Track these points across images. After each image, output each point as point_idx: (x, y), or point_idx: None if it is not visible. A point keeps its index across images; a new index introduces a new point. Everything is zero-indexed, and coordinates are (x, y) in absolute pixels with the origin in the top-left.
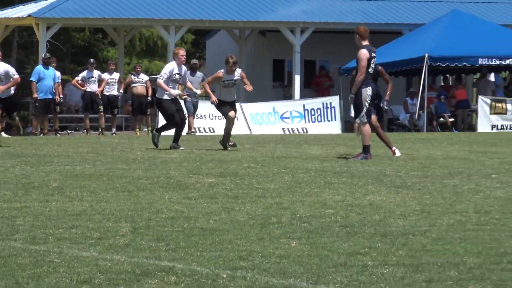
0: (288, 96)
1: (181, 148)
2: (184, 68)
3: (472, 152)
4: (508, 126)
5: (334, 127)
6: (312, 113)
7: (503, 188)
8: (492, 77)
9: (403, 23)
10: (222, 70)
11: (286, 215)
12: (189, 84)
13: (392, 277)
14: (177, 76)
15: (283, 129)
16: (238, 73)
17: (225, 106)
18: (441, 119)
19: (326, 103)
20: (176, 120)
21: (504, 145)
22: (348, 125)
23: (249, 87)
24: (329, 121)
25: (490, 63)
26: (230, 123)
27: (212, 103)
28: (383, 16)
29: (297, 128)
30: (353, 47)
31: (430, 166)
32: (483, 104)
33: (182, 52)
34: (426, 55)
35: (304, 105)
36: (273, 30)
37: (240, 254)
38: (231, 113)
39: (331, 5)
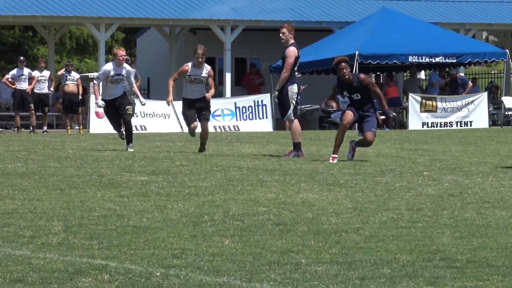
0: (219, 94)
1: (130, 150)
2: (126, 69)
3: (404, 149)
4: (438, 124)
5: (265, 125)
6: (244, 111)
7: (435, 186)
8: (422, 75)
9: (333, 21)
10: (189, 64)
11: (218, 213)
12: (135, 89)
13: (325, 274)
14: (116, 77)
15: (214, 127)
16: (206, 69)
17: (190, 111)
18: None
19: (257, 101)
20: (113, 125)
21: (435, 142)
22: (279, 123)
23: (209, 94)
24: (260, 119)
25: (420, 60)
26: (201, 133)
27: (167, 103)
28: (313, 14)
29: (228, 126)
30: (284, 45)
31: (362, 164)
32: (413, 101)
33: (121, 52)
34: (357, 52)
35: (235, 103)
36: (203, 28)
37: (173, 252)
38: (194, 125)
39: (261, 3)
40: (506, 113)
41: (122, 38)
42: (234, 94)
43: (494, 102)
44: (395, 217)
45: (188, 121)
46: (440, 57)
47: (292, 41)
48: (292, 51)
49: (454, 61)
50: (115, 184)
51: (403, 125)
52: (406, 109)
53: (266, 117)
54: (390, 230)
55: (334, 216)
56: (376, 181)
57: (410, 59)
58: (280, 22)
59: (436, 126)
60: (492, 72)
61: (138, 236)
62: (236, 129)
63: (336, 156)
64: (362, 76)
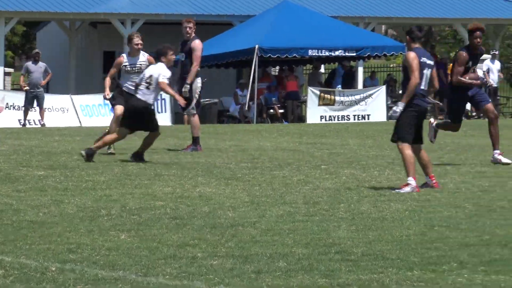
0: None
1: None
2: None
3: (302, 143)
4: (336, 117)
5: (164, 119)
6: None
7: (332, 179)
8: (322, 68)
9: (233, 14)
10: (124, 54)
11: (115, 208)
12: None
13: (221, 268)
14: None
15: None
16: (145, 57)
17: (119, 98)
18: (271, 110)
19: None
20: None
21: (333, 136)
22: (178, 117)
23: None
24: (159, 112)
25: (320, 54)
26: (113, 120)
27: (104, 97)
28: (213, 7)
29: None
30: (184, 39)
31: (260, 158)
32: (312, 95)
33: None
34: (257, 46)
35: None
36: (104, 21)
37: (69, 247)
38: (118, 109)
39: None
40: None
41: (22, 31)
42: None
43: (392, 95)
44: (292, 210)
45: (116, 103)
46: (340, 51)
47: (194, 34)
48: (198, 44)
49: (354, 54)
50: (12, 179)
51: (301, 118)
52: (305, 102)
53: (165, 111)
54: (286, 223)
55: (231, 210)
56: (274, 175)
57: (310, 52)
58: (180, 16)
59: (334, 120)
60: (391, 65)
61: (34, 231)
62: None
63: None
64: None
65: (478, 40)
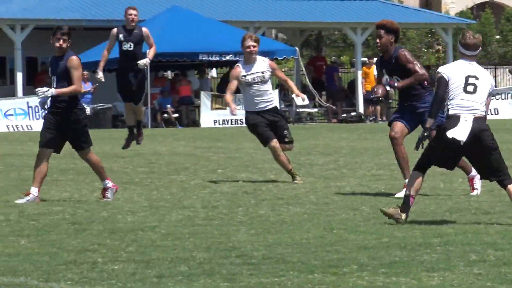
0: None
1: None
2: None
3: (197, 147)
4: (230, 121)
5: None
6: (36, 110)
7: (229, 183)
8: (214, 73)
9: (122, 19)
10: (239, 63)
11: (13, 213)
12: None
13: (123, 273)
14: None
15: (7, 126)
16: (266, 63)
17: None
18: (165, 114)
19: None
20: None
21: (228, 140)
22: None
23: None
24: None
25: (211, 58)
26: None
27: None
28: (102, 12)
29: (21, 125)
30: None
31: (157, 162)
32: (205, 99)
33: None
34: (147, 51)
35: (27, 102)
36: None
37: None
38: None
39: (51, 2)
40: (297, 110)
41: None
42: (26, 93)
43: (285, 99)
44: (191, 215)
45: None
46: (231, 55)
47: None
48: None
49: None
50: None
51: (196, 123)
52: (198, 107)
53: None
54: (186, 227)
55: (130, 214)
56: (171, 179)
57: (200, 57)
58: (70, 21)
59: (228, 124)
60: (283, 69)
61: None
62: (30, 128)
63: None
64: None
65: (377, 41)
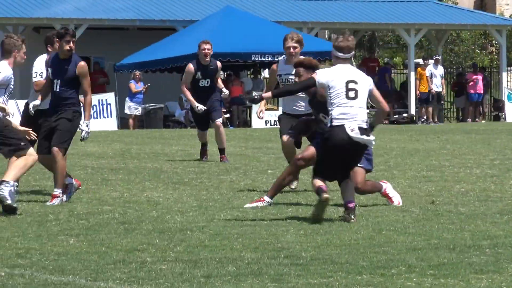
0: None
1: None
2: None
3: (248, 148)
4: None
5: (110, 123)
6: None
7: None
8: (266, 74)
9: (176, 19)
10: (281, 59)
11: (63, 212)
12: None
13: (171, 273)
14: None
15: None
16: None
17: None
18: None
19: (102, 100)
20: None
21: (278, 140)
22: (123, 122)
23: None
24: (105, 117)
25: (263, 59)
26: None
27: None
28: (156, 12)
29: None
30: (127, 44)
31: (207, 162)
32: None
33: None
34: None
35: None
36: (47, 26)
37: (18, 252)
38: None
39: (105, 2)
40: None
41: None
42: None
43: None
44: (240, 215)
45: None
46: (284, 56)
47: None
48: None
49: None
50: None
51: (247, 123)
52: (250, 107)
53: (111, 116)
54: (235, 228)
55: (179, 214)
56: (221, 180)
57: (253, 57)
58: (123, 21)
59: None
60: None
61: None
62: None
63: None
64: None
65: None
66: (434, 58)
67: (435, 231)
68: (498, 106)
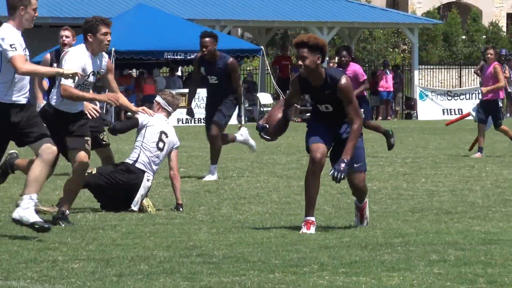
0: None
1: None
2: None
3: None
4: (193, 120)
5: None
6: None
7: (192, 182)
8: (179, 72)
9: (87, 17)
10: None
11: None
12: None
13: (83, 271)
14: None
15: None
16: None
17: None
18: (129, 113)
19: None
20: None
21: (191, 139)
22: None
23: None
24: None
25: (176, 57)
26: None
27: None
28: (69, 10)
29: None
30: (39, 41)
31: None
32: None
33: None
34: (113, 49)
35: None
36: None
37: None
38: None
39: None
40: (262, 109)
41: None
42: None
43: (249, 98)
44: (152, 213)
45: None
46: (195, 54)
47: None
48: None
49: None
50: None
51: None
52: None
53: None
54: (147, 226)
55: (91, 213)
56: None
57: (165, 55)
58: (37, 19)
59: (191, 122)
60: (248, 68)
61: None
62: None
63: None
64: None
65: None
66: None
67: (347, 229)
68: (410, 104)
